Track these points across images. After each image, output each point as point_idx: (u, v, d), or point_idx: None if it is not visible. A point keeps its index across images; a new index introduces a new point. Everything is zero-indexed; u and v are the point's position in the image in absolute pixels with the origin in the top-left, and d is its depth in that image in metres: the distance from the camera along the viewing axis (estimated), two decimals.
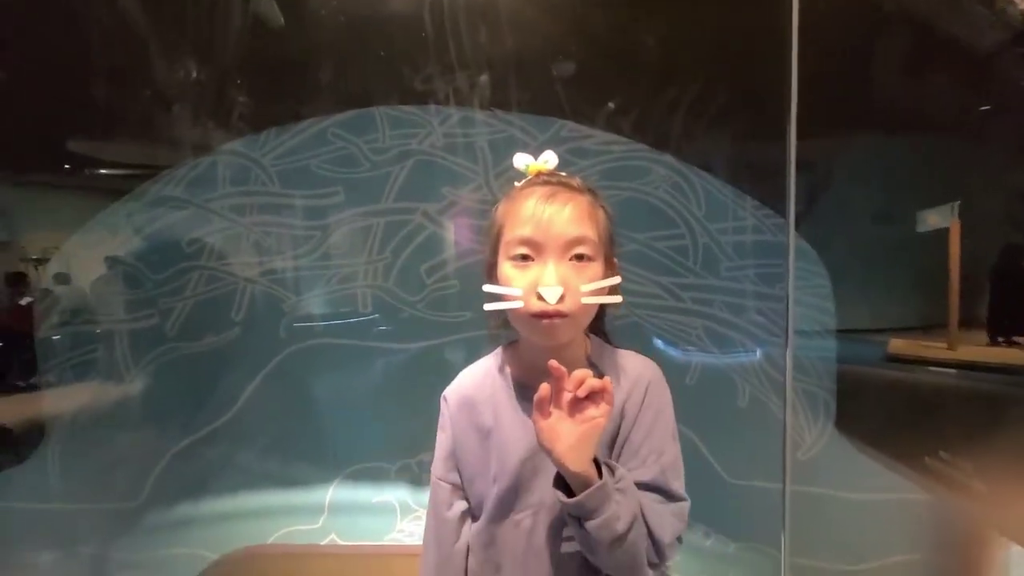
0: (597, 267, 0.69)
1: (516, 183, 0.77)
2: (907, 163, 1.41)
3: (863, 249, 1.39)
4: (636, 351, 0.81)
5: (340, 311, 1.42)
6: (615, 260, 0.76)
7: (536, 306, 0.66)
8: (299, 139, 1.39)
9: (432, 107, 1.35)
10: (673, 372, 1.27)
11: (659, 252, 1.34)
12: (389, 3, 1.36)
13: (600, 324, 0.84)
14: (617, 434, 0.73)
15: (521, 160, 0.77)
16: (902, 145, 1.43)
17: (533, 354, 0.74)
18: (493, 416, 0.76)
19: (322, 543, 1.40)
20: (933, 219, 1.34)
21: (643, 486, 0.69)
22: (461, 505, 0.78)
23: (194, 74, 1.37)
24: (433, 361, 1.38)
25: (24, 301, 1.48)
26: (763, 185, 1.31)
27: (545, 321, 0.66)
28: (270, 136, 1.39)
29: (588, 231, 0.68)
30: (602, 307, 0.78)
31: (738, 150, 1.37)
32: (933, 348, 1.41)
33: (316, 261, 1.41)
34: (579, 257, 0.67)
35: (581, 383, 0.61)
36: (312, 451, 1.42)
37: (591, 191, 0.74)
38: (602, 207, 0.74)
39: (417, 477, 1.39)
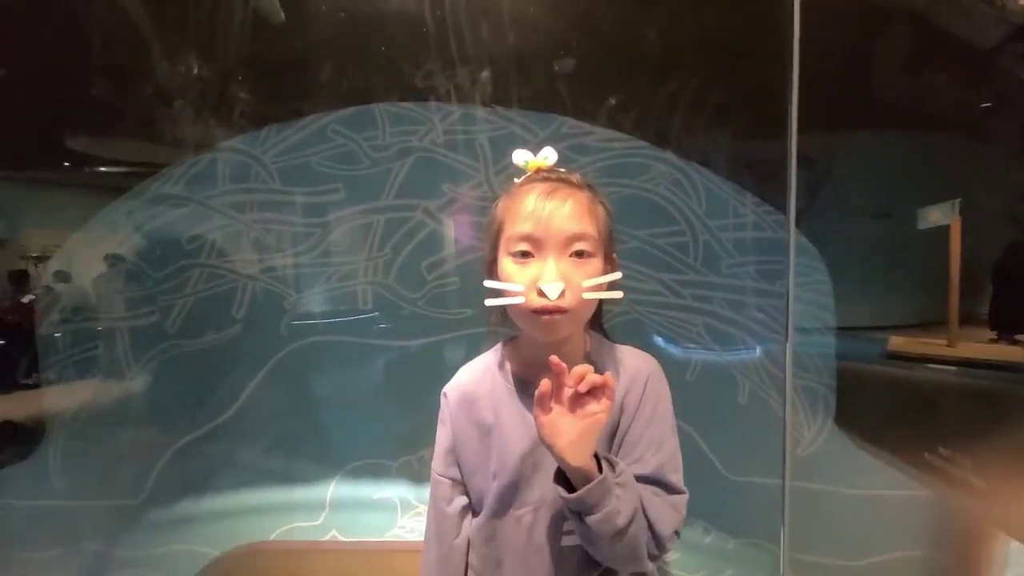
0: (597, 263, 0.70)
1: (516, 179, 0.77)
2: (908, 160, 1.41)
3: (863, 246, 1.39)
4: (636, 347, 0.82)
5: (341, 308, 1.42)
6: (614, 256, 0.76)
7: (536, 302, 0.66)
8: (299, 136, 1.39)
9: (433, 104, 1.35)
10: (673, 369, 1.28)
11: (660, 249, 1.34)
12: None
13: (599, 320, 0.84)
14: (616, 428, 0.73)
15: (520, 156, 0.77)
16: (903, 142, 1.43)
17: (533, 350, 0.75)
18: (493, 412, 0.76)
19: (323, 539, 1.41)
20: (934, 216, 1.34)
21: (642, 479, 0.70)
22: (462, 501, 0.79)
23: (195, 71, 1.37)
24: (434, 358, 1.38)
25: (27, 299, 1.48)
26: (764, 182, 1.31)
27: (545, 317, 0.67)
28: (270, 133, 1.39)
29: (588, 227, 0.69)
30: (600, 303, 0.78)
31: (739, 147, 1.37)
32: (933, 345, 1.41)
33: (316, 258, 1.41)
34: (579, 253, 0.68)
35: (582, 378, 0.61)
36: (313, 448, 1.43)
37: (590, 187, 0.74)
38: (601, 203, 0.74)
39: (418, 473, 1.39)
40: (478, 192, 1.36)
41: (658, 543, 0.68)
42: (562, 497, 0.63)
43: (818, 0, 1.13)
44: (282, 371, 1.41)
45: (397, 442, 1.40)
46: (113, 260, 1.46)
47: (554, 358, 0.61)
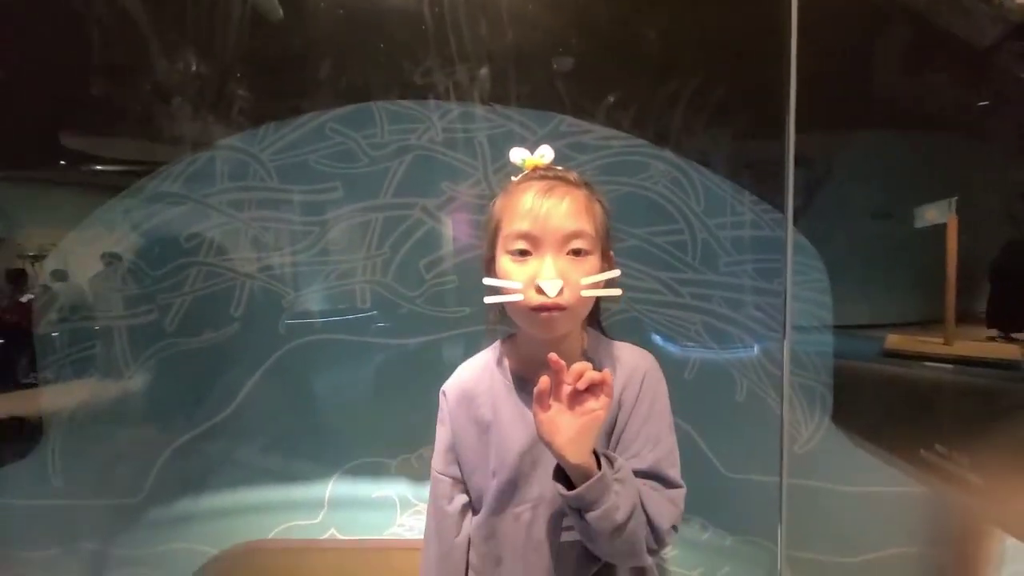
0: (594, 260, 0.70)
1: (513, 178, 0.78)
2: (906, 159, 1.42)
3: (862, 245, 1.40)
4: (634, 343, 0.82)
5: (339, 307, 1.42)
6: (611, 253, 0.76)
7: (535, 299, 0.67)
8: (297, 134, 1.39)
9: (432, 102, 1.35)
10: (672, 367, 1.28)
11: (658, 247, 1.34)
12: None
13: (597, 318, 0.84)
14: (614, 424, 0.74)
15: (517, 155, 0.77)
16: (901, 141, 1.43)
17: (531, 347, 0.75)
18: (492, 409, 0.76)
19: (322, 538, 1.41)
20: (931, 214, 1.34)
21: (640, 474, 0.70)
22: (462, 499, 0.79)
23: (193, 68, 1.37)
24: (432, 356, 1.38)
25: (25, 298, 1.48)
26: (762, 181, 1.32)
27: (544, 314, 0.67)
28: (268, 131, 1.39)
29: (585, 225, 0.69)
30: (598, 300, 0.78)
31: (737, 145, 1.37)
32: (930, 343, 1.42)
33: (315, 257, 1.41)
34: (576, 251, 0.68)
35: (580, 376, 0.62)
36: (312, 446, 1.43)
37: (587, 185, 0.75)
38: (598, 201, 0.75)
39: (417, 472, 1.39)
40: (477, 190, 1.36)
41: (656, 537, 0.68)
42: (561, 494, 0.63)
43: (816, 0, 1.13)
44: (281, 369, 1.41)
45: (396, 440, 1.40)
46: (110, 259, 1.45)
47: (553, 355, 0.61)
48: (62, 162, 1.50)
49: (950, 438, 1.26)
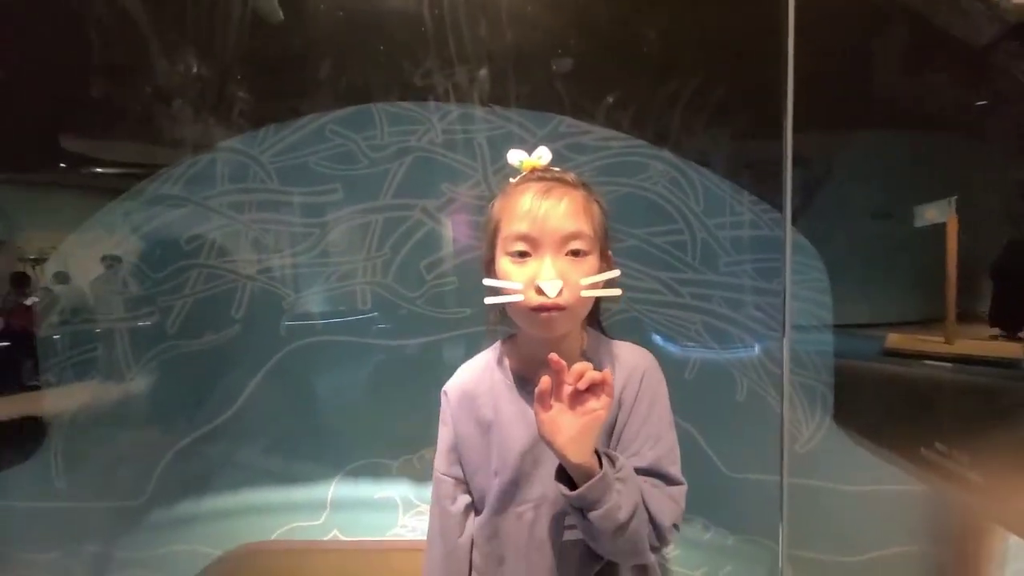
0: (592, 260, 0.71)
1: (511, 179, 0.78)
2: (904, 158, 1.42)
3: (862, 244, 1.40)
4: (634, 343, 0.82)
5: (339, 308, 1.42)
6: (610, 253, 0.77)
7: (535, 300, 0.67)
8: (297, 136, 1.39)
9: (431, 103, 1.35)
10: (672, 367, 1.28)
11: (657, 248, 1.34)
12: None
13: (597, 317, 0.85)
14: (615, 422, 0.74)
15: (515, 156, 0.78)
16: (899, 140, 1.43)
17: (531, 347, 0.75)
18: (493, 409, 0.77)
19: (325, 539, 1.41)
20: (931, 214, 1.35)
21: (641, 471, 0.70)
22: (465, 499, 0.79)
23: (193, 70, 1.37)
24: (432, 357, 1.38)
25: (29, 301, 1.48)
26: (762, 181, 1.32)
27: (544, 314, 0.68)
28: (268, 133, 1.39)
29: (583, 226, 0.69)
30: (598, 300, 0.79)
31: (737, 146, 1.37)
32: (930, 342, 1.42)
33: (315, 258, 1.41)
34: (575, 252, 0.68)
35: (581, 376, 0.62)
36: (313, 448, 1.43)
37: (585, 185, 0.75)
38: (596, 201, 0.75)
39: (419, 473, 1.40)
40: (476, 191, 1.36)
41: (659, 535, 0.68)
42: (564, 494, 0.63)
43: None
44: (281, 371, 1.41)
45: (397, 441, 1.40)
46: (111, 261, 1.45)
47: (554, 356, 0.61)
48: (62, 165, 1.51)
49: (951, 437, 1.26)
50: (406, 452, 1.41)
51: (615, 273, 0.71)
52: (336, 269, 1.41)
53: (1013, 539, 1.22)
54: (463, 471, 0.79)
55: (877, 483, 1.31)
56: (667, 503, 0.70)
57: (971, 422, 1.30)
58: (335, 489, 1.42)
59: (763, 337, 1.33)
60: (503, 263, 0.71)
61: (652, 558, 0.72)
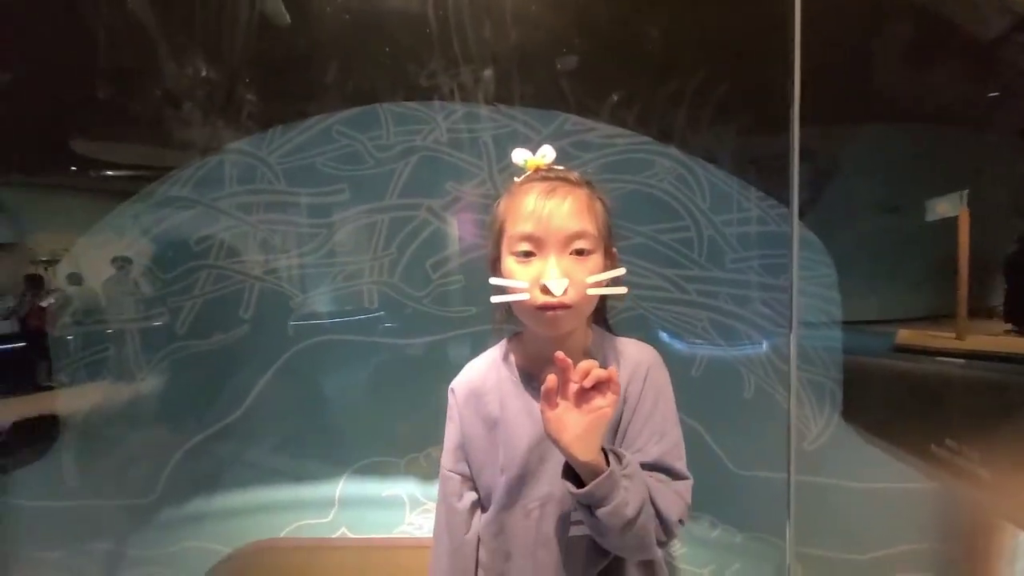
0: (597, 259, 0.71)
1: (516, 178, 0.79)
2: (913, 152, 1.40)
3: (870, 239, 1.38)
4: (640, 339, 0.82)
5: (346, 308, 1.43)
6: (614, 250, 0.77)
7: (540, 299, 0.68)
8: (304, 137, 1.40)
9: (436, 103, 1.35)
10: (679, 364, 1.28)
11: (664, 245, 1.34)
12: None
13: (603, 315, 0.85)
14: (620, 418, 0.75)
15: (520, 155, 0.79)
16: (908, 134, 1.42)
17: (537, 344, 0.76)
18: (499, 406, 0.77)
19: (333, 536, 1.42)
20: (942, 207, 1.33)
21: (647, 466, 0.71)
22: (471, 496, 0.80)
23: (201, 72, 1.38)
24: (439, 356, 1.39)
25: (46, 303, 1.50)
26: (768, 176, 1.31)
27: (549, 313, 0.68)
28: (276, 134, 1.40)
29: (587, 225, 0.70)
30: (604, 298, 0.79)
31: (743, 142, 1.36)
32: (941, 338, 1.40)
33: (322, 258, 1.42)
34: (579, 252, 0.69)
35: (587, 374, 0.62)
36: (321, 446, 1.44)
37: (589, 183, 0.76)
38: (600, 199, 0.76)
39: (425, 471, 1.40)
40: (482, 190, 1.36)
41: (665, 530, 0.69)
42: (571, 493, 0.64)
43: None
44: (290, 370, 1.42)
45: (404, 440, 1.41)
46: (122, 263, 1.47)
47: (559, 354, 0.62)
48: (72, 167, 1.52)
49: (961, 433, 1.25)
50: (413, 450, 1.41)
51: (621, 271, 0.72)
52: (343, 269, 1.42)
53: (1023, 536, 1.20)
54: (470, 468, 0.80)
55: (886, 480, 1.30)
56: (673, 498, 0.70)
57: (982, 418, 1.29)
58: (343, 487, 1.43)
59: (770, 333, 1.32)
60: (508, 263, 0.72)
61: (659, 553, 0.73)
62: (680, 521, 0.71)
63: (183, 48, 1.36)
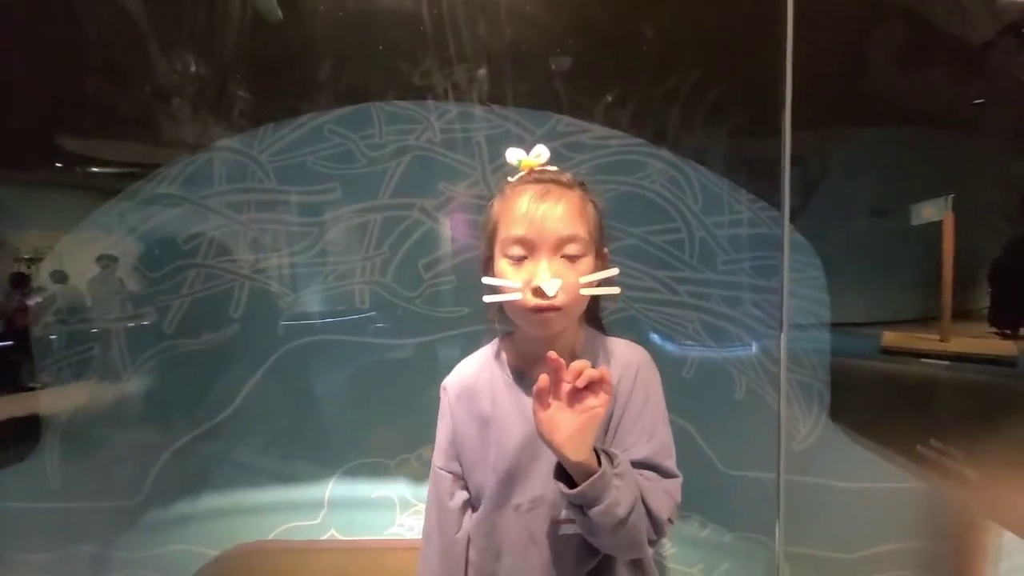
0: (587, 262, 0.72)
1: (510, 178, 0.79)
2: (902, 156, 1.42)
3: (859, 242, 1.40)
4: (631, 340, 0.83)
5: (338, 308, 1.42)
6: (606, 251, 0.78)
7: (532, 301, 0.69)
8: (296, 135, 1.39)
9: (430, 102, 1.35)
10: (670, 365, 1.29)
11: (655, 246, 1.35)
12: None
13: (595, 314, 0.85)
14: (610, 417, 0.75)
15: (514, 155, 0.79)
16: (897, 138, 1.43)
17: (528, 343, 0.77)
18: (492, 403, 0.77)
19: (322, 538, 1.41)
20: (927, 212, 1.35)
21: (637, 464, 0.72)
22: (462, 495, 0.80)
23: (191, 70, 1.37)
24: (431, 356, 1.39)
25: (32, 301, 1.47)
26: (759, 178, 1.32)
27: (540, 314, 0.69)
28: (266, 132, 1.39)
29: (579, 229, 0.71)
30: (598, 299, 0.80)
31: (734, 144, 1.37)
32: (926, 340, 1.42)
33: (313, 258, 1.41)
34: (570, 256, 0.70)
35: (579, 374, 0.62)
36: (311, 447, 1.43)
37: (581, 185, 0.77)
38: (591, 201, 0.77)
39: (416, 472, 1.40)
40: (475, 190, 1.36)
41: (655, 528, 0.69)
42: (563, 493, 0.64)
43: None
44: (279, 370, 1.41)
45: (395, 440, 1.40)
46: (107, 261, 1.45)
47: (552, 354, 0.62)
48: (58, 164, 1.50)
49: (946, 434, 1.27)
50: (403, 451, 1.41)
51: (613, 271, 0.72)
52: (334, 268, 1.41)
53: (1007, 535, 1.22)
54: (461, 466, 0.80)
55: (873, 480, 1.32)
56: (663, 497, 0.71)
57: (966, 419, 1.31)
58: (332, 488, 1.42)
59: (761, 335, 1.33)
60: (501, 265, 0.72)
61: (649, 552, 0.73)
62: (670, 520, 0.71)
63: (173, 44, 1.35)
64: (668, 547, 1.36)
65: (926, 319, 1.44)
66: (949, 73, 1.31)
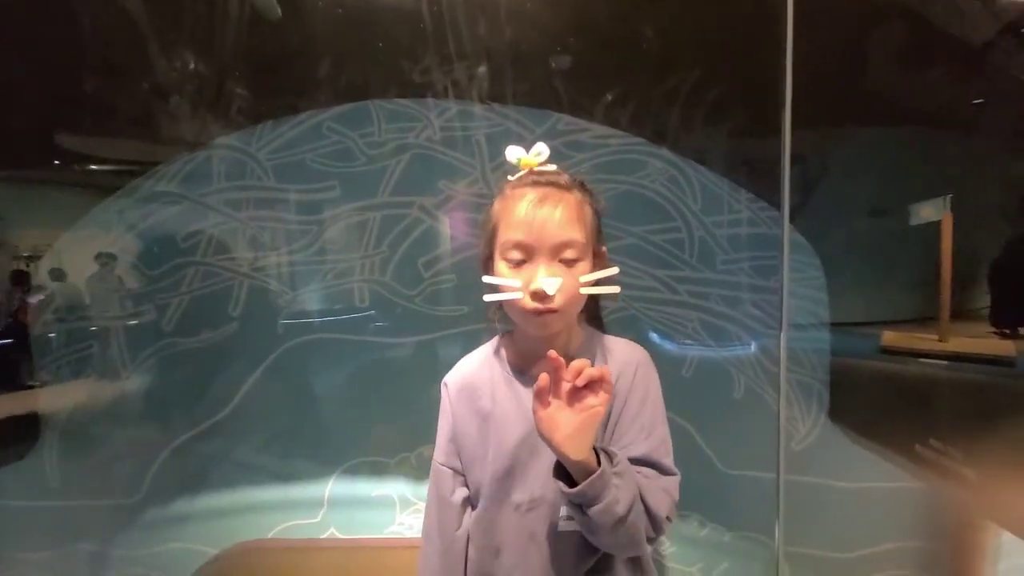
0: (585, 265, 0.74)
1: (510, 177, 0.79)
2: (901, 156, 1.42)
3: (859, 242, 1.40)
4: (631, 339, 0.83)
5: (337, 306, 1.42)
6: (604, 251, 0.79)
7: (531, 304, 0.69)
8: (295, 133, 1.38)
9: (429, 100, 1.35)
10: (670, 364, 1.29)
11: (655, 245, 1.35)
12: None
13: (595, 313, 0.86)
14: (609, 416, 0.76)
15: (513, 153, 0.80)
16: (897, 138, 1.43)
17: (528, 342, 0.77)
18: (492, 400, 0.78)
19: (322, 537, 1.41)
20: (926, 212, 1.35)
21: (635, 461, 0.72)
22: (463, 492, 0.80)
23: (190, 67, 1.36)
24: (430, 355, 1.38)
25: (34, 299, 1.47)
26: (759, 178, 1.32)
27: (539, 316, 0.70)
28: (265, 130, 1.38)
29: (576, 234, 0.72)
30: (598, 298, 0.80)
31: (734, 143, 1.37)
32: (925, 340, 1.43)
33: (312, 256, 1.41)
34: (567, 260, 0.71)
35: (579, 373, 0.62)
36: (310, 445, 1.43)
37: (579, 186, 0.78)
38: (589, 203, 0.77)
39: (416, 470, 1.40)
40: (474, 189, 1.36)
41: (654, 526, 0.70)
42: (563, 492, 0.64)
43: None
44: (279, 369, 1.41)
45: (394, 439, 1.40)
46: (106, 259, 1.45)
47: (552, 353, 0.62)
48: (57, 162, 1.49)
49: (945, 433, 1.27)
50: (403, 450, 1.40)
51: (613, 271, 0.73)
52: (333, 267, 1.40)
53: (1006, 535, 1.23)
54: (461, 463, 0.80)
55: (872, 480, 1.32)
56: (661, 495, 0.71)
57: (965, 419, 1.31)
58: (332, 487, 1.42)
59: (760, 335, 1.33)
60: (500, 266, 0.73)
61: (648, 550, 0.74)
62: (668, 518, 0.72)
63: (172, 42, 1.34)
64: (667, 546, 1.36)
65: (925, 319, 1.44)
66: (949, 73, 1.31)
